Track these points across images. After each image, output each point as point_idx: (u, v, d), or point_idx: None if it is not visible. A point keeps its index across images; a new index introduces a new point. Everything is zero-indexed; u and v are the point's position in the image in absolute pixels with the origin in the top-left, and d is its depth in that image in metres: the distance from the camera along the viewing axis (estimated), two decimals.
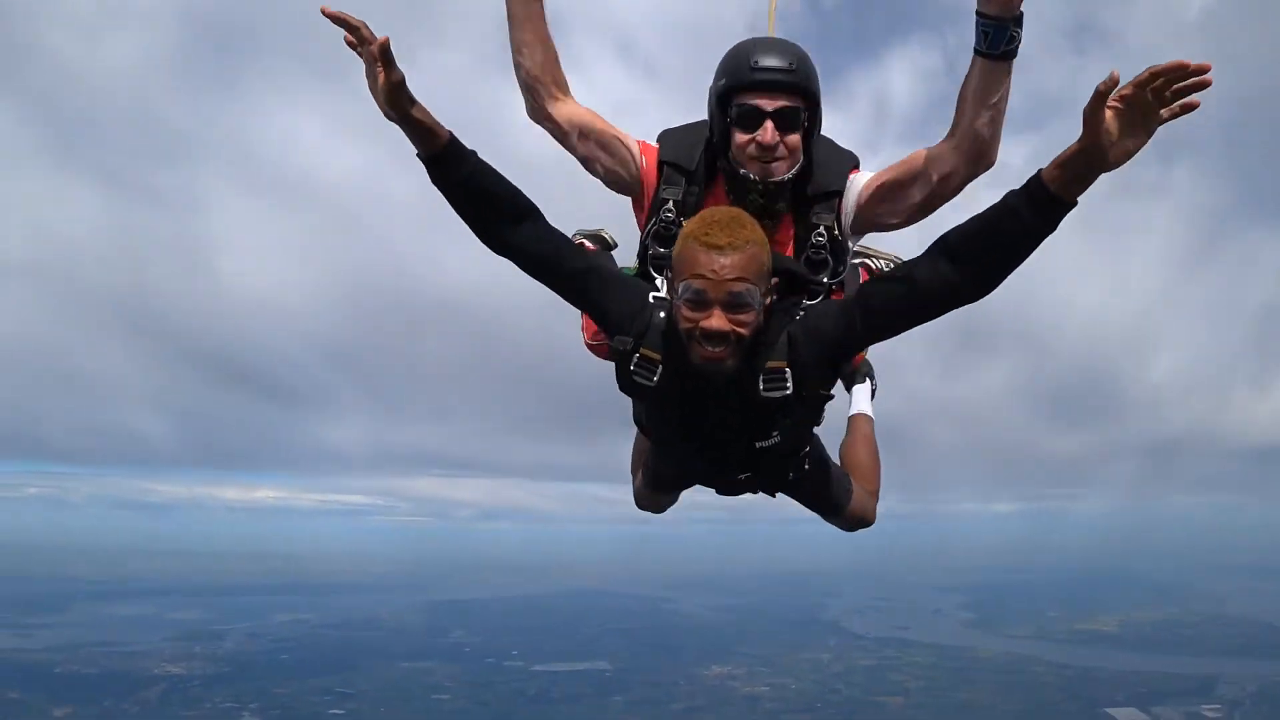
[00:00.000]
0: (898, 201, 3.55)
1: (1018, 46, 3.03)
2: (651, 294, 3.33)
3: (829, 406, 3.54)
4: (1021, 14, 2.97)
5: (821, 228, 3.61)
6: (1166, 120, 2.59)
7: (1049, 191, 2.70)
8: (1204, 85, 2.51)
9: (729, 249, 2.91)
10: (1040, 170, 2.72)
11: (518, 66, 3.65)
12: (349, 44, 2.93)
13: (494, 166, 3.14)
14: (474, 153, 3.10)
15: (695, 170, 3.69)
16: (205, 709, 60.71)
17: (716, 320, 2.93)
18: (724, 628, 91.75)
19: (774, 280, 3.12)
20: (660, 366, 3.22)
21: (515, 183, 3.17)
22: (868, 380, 5.26)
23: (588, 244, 5.28)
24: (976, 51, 3.06)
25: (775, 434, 3.39)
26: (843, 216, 3.65)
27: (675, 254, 3.05)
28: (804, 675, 72.91)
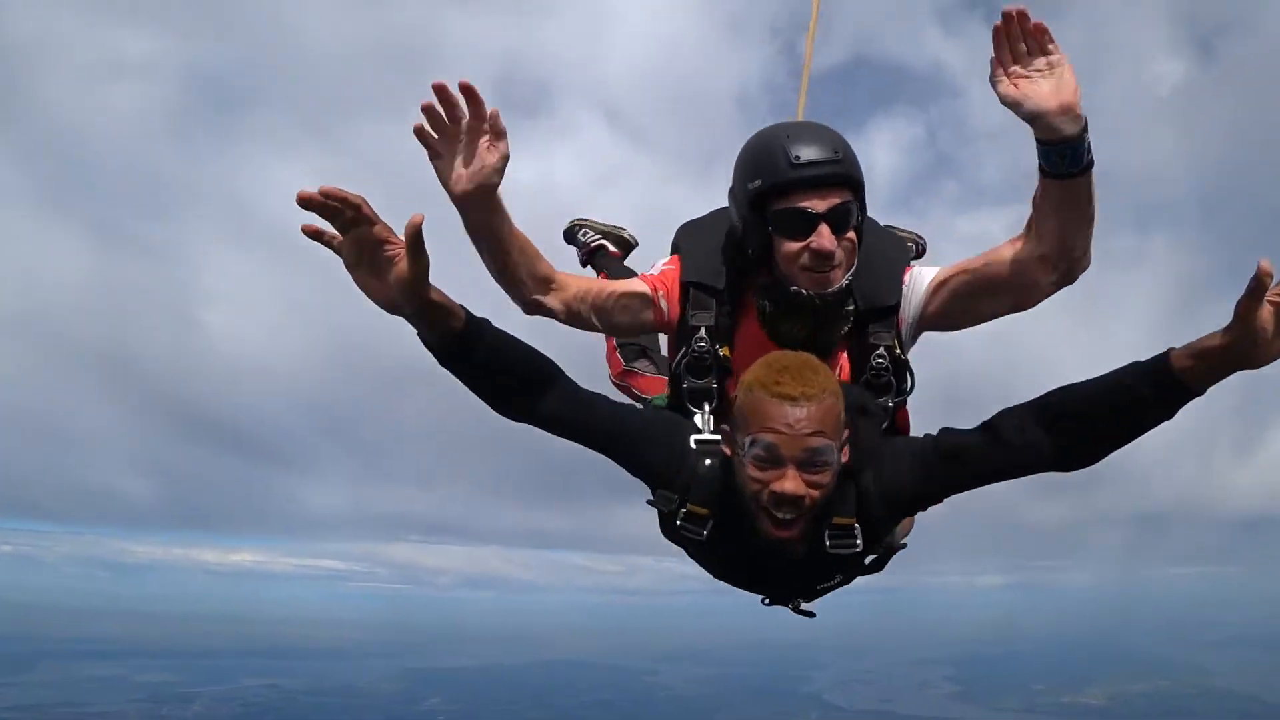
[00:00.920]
0: (969, 310, 3.17)
1: (1091, 157, 2.66)
2: (693, 437, 2.96)
3: None
4: (1085, 122, 2.62)
5: (881, 348, 3.16)
6: None
7: (1180, 381, 2.46)
8: None
9: (804, 400, 2.54)
10: (1170, 352, 2.47)
11: (498, 279, 3.18)
12: (311, 236, 2.36)
13: (507, 333, 2.73)
14: (488, 324, 2.67)
15: (724, 290, 3.24)
16: None
17: (791, 483, 2.55)
18: (705, 700, 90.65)
19: (847, 432, 2.70)
20: (710, 520, 2.86)
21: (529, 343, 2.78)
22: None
23: (609, 246, 5.09)
24: (1048, 175, 2.70)
25: (839, 576, 3.11)
26: (903, 330, 3.22)
27: (739, 405, 2.66)
28: None
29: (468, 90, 2.67)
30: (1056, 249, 2.83)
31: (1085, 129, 2.62)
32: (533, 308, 3.22)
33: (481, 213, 2.92)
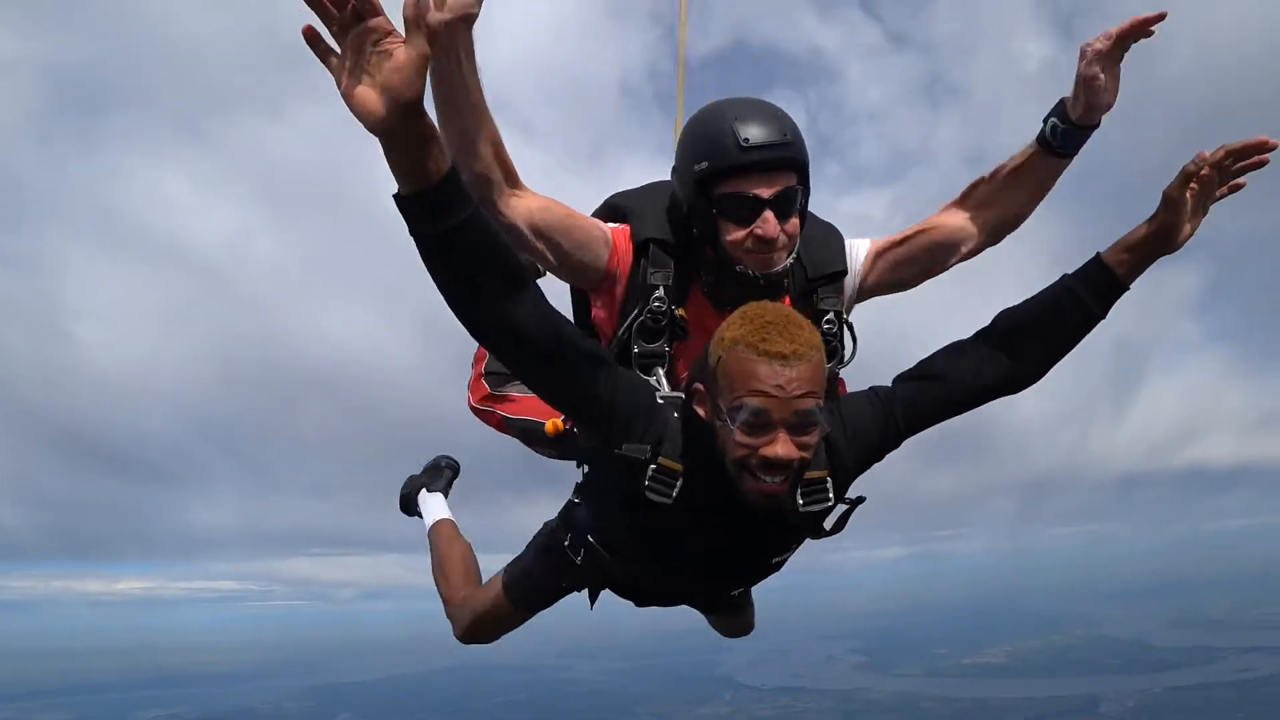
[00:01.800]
0: (907, 273, 3.32)
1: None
2: (659, 393, 2.76)
3: None
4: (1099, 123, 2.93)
5: (831, 313, 3.17)
6: (1218, 200, 2.72)
7: (1115, 277, 2.71)
8: (1265, 164, 2.64)
9: (794, 359, 2.37)
10: (1099, 254, 2.74)
11: (462, 159, 2.66)
12: (310, 40, 1.99)
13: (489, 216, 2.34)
14: (474, 198, 2.26)
15: (680, 251, 3.08)
16: None
17: (782, 447, 2.39)
18: (620, 690, 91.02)
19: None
20: (679, 481, 2.61)
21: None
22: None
23: None
24: (1048, 149, 2.99)
25: (796, 546, 3.01)
26: (846, 296, 3.27)
27: (722, 364, 2.44)
28: None
29: None
30: (1016, 214, 3.20)
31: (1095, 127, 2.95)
32: (497, 206, 2.80)
33: (453, 56, 2.48)
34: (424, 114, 2.06)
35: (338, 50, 2.02)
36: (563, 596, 3.72)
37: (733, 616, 4.18)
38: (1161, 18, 2.67)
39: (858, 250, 3.28)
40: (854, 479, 2.88)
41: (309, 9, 1.94)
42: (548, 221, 2.92)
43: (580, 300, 3.34)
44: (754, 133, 2.79)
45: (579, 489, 3.44)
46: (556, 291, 3.23)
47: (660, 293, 3.02)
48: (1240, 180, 2.70)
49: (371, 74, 2.01)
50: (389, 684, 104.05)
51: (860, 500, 2.86)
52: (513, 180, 2.83)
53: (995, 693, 74.64)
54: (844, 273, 3.21)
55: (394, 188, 2.13)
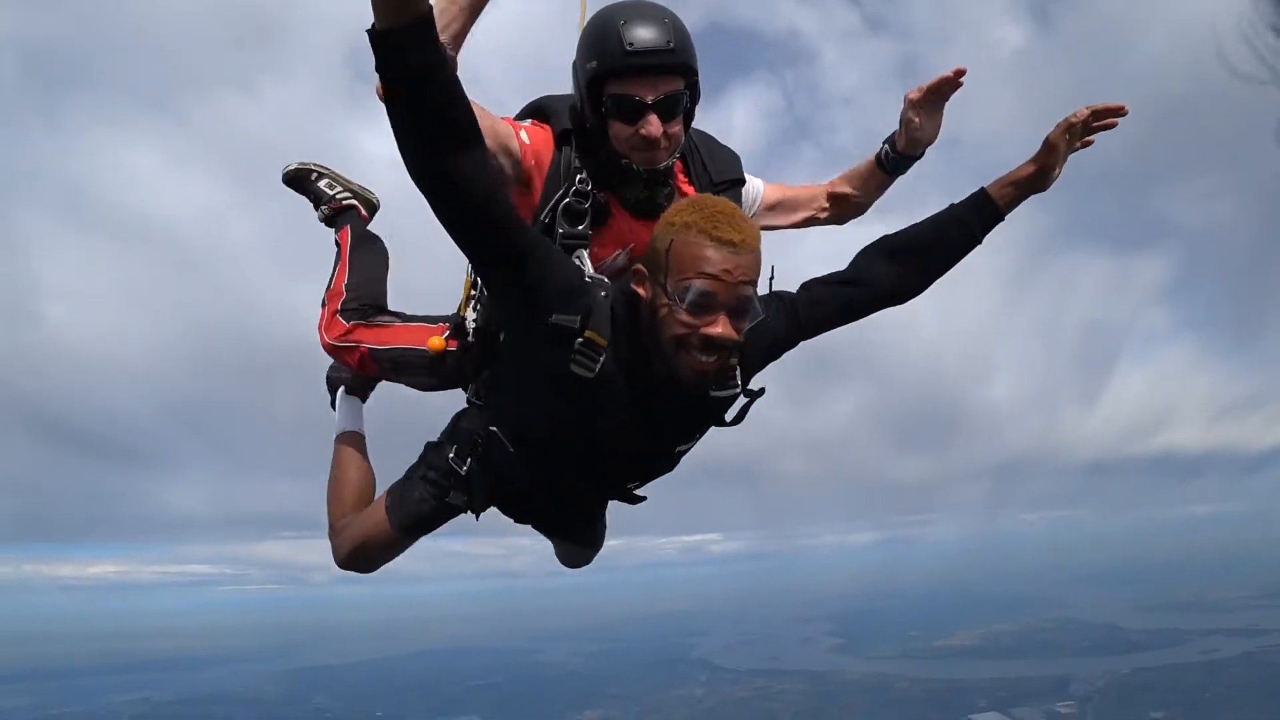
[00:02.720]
0: (780, 219, 3.79)
1: None
2: (587, 271, 2.92)
3: None
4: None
5: None
6: (1078, 150, 3.20)
7: (996, 207, 3.17)
8: (1115, 127, 3.16)
9: (742, 248, 2.58)
10: (985, 187, 3.20)
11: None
12: None
13: None
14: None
15: (579, 141, 3.24)
16: None
17: (723, 327, 2.58)
18: (593, 673, 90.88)
19: None
20: (603, 356, 2.71)
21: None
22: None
23: (361, 209, 4.51)
24: (883, 169, 3.68)
25: (699, 435, 3.12)
26: (743, 206, 3.56)
27: (667, 245, 2.62)
28: (677, 712, 73.18)
29: None
30: (858, 208, 3.86)
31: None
32: None
33: None
34: None
35: None
36: (447, 518, 3.67)
37: (585, 548, 4.23)
38: (962, 72, 3.33)
39: (757, 185, 3.69)
40: (756, 372, 3.09)
41: None
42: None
43: None
44: (640, 37, 2.91)
45: (485, 384, 3.48)
46: None
47: (584, 174, 3.18)
48: (1091, 139, 3.18)
49: None
50: (363, 667, 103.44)
51: (761, 392, 3.01)
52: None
53: (967, 674, 75.21)
54: (742, 181, 3.56)
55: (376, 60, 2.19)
